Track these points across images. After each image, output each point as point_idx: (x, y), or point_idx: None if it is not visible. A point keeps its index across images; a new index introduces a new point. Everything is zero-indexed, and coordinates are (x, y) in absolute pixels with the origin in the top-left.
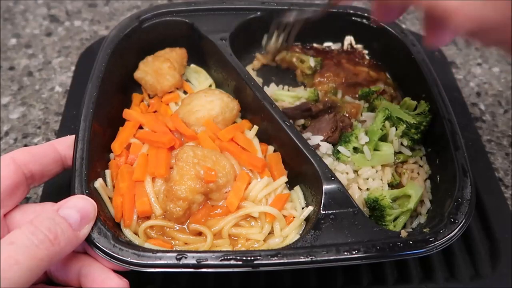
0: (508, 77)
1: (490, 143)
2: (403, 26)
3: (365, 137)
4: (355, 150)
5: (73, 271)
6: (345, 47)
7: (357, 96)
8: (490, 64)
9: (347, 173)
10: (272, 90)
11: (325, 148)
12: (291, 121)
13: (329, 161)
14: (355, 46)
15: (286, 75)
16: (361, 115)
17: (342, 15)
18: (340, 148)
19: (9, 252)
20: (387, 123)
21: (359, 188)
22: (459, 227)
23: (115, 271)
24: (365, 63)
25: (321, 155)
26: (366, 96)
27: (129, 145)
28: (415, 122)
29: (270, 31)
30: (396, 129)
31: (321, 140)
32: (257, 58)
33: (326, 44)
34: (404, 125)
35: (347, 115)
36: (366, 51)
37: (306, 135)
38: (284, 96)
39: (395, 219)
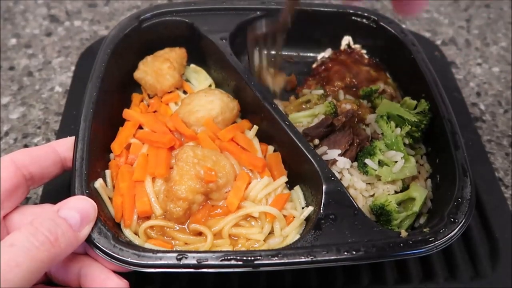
0: (508, 77)
1: (490, 143)
2: (403, 26)
3: (398, 153)
4: (379, 163)
5: (73, 272)
6: (342, 47)
7: (359, 95)
8: (490, 64)
9: (366, 190)
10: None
11: (343, 163)
12: (290, 121)
13: (346, 178)
14: (353, 46)
15: None
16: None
17: (341, 15)
18: (367, 160)
19: (9, 254)
20: (392, 124)
21: (363, 196)
22: (459, 226)
23: (116, 272)
24: (365, 62)
25: (338, 171)
26: (369, 95)
27: (129, 145)
28: (415, 120)
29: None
30: (401, 129)
31: (338, 155)
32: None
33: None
34: (408, 126)
35: (363, 127)
36: (364, 51)
37: (322, 149)
38: (301, 117)
39: (400, 222)
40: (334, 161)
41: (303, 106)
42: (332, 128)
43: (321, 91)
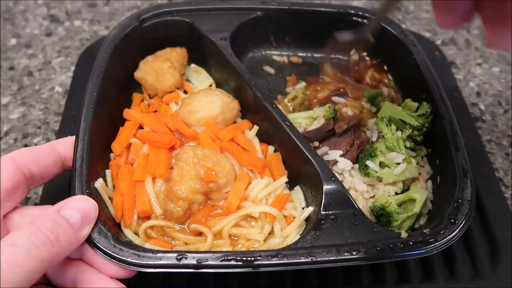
0: (508, 77)
1: (490, 143)
2: (403, 26)
3: (400, 154)
4: (380, 164)
5: (69, 277)
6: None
7: (362, 97)
8: (490, 64)
9: (367, 192)
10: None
11: (343, 164)
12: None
13: (347, 180)
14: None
15: (279, 81)
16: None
17: (342, 15)
18: (368, 162)
19: (9, 253)
20: (393, 128)
21: (363, 197)
22: (459, 228)
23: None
24: (367, 64)
25: (339, 172)
26: (373, 98)
27: (129, 145)
28: (418, 124)
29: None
30: (402, 133)
31: (340, 156)
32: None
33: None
34: (409, 129)
35: (364, 130)
36: (365, 53)
37: (323, 149)
38: (299, 118)
39: (401, 223)
40: (335, 162)
41: (289, 105)
42: (333, 133)
43: (303, 84)
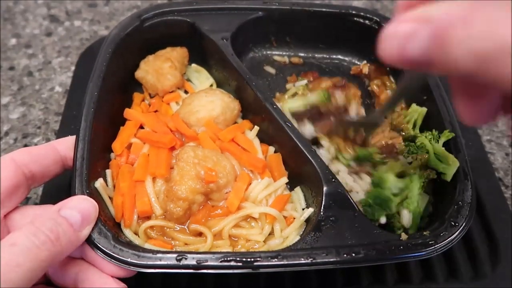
0: None
1: (490, 143)
2: None
3: (408, 214)
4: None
5: (70, 276)
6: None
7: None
8: None
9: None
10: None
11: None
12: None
13: (349, 180)
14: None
15: (280, 81)
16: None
17: (343, 16)
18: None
19: (10, 254)
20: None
21: (356, 192)
22: (460, 230)
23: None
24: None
25: (337, 174)
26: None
27: (130, 145)
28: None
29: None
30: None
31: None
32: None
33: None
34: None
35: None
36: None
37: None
38: (294, 107)
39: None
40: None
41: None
42: (317, 110)
43: (304, 81)
